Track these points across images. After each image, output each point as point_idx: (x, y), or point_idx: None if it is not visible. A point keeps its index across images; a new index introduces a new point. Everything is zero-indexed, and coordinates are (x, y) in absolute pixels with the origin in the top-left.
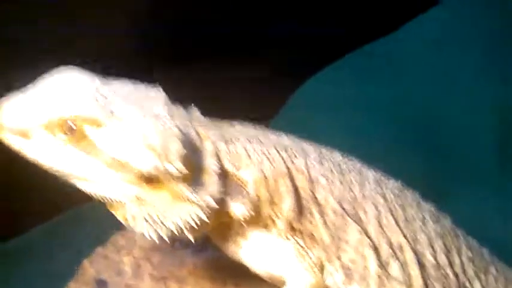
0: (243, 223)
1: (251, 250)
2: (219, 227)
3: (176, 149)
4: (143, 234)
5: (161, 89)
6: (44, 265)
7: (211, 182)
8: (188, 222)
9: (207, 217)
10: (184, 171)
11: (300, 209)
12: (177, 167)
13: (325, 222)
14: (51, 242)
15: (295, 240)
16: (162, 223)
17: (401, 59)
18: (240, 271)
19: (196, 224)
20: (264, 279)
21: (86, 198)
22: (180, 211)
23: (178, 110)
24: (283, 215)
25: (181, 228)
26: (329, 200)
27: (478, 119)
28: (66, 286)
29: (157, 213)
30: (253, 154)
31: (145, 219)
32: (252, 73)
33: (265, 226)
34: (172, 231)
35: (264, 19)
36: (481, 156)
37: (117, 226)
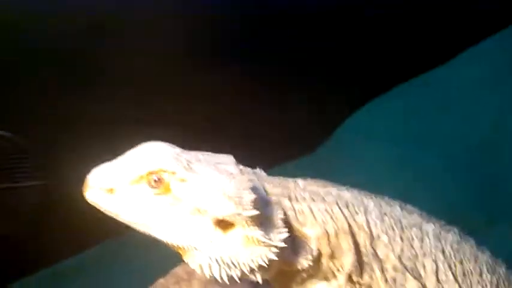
0: (304, 274)
1: None
2: (281, 276)
3: (249, 197)
4: (214, 277)
5: (231, 156)
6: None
7: (278, 228)
8: (258, 263)
9: (274, 261)
10: (256, 215)
11: (360, 264)
12: (250, 211)
13: (385, 278)
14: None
15: None
16: (233, 264)
17: (458, 88)
18: None
19: (265, 265)
20: None
21: None
22: (251, 253)
23: (247, 169)
24: (344, 269)
25: (251, 269)
26: (390, 257)
27: None
28: None
29: (230, 255)
30: (317, 213)
31: (217, 262)
32: (304, 96)
33: (326, 278)
34: (242, 272)
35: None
36: None
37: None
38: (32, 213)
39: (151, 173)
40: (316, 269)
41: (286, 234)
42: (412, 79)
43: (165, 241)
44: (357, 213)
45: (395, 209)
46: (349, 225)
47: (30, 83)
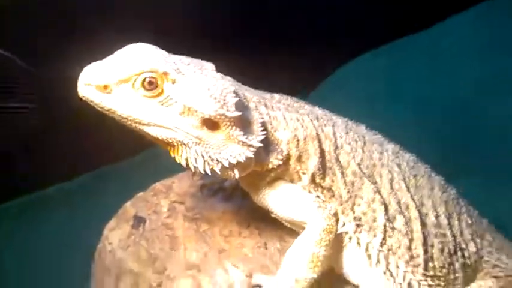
0: (273, 174)
1: (278, 198)
2: (253, 177)
3: (232, 99)
4: (200, 170)
5: (212, 64)
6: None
7: (256, 130)
8: (237, 159)
9: (250, 159)
10: (238, 116)
11: (323, 167)
12: (233, 113)
13: (344, 181)
14: (101, 187)
15: (317, 193)
16: (216, 160)
17: (443, 52)
18: (260, 217)
19: (242, 161)
20: (282, 222)
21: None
22: (232, 150)
23: (226, 77)
24: (308, 170)
25: (230, 165)
26: (350, 164)
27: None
28: (107, 223)
29: (213, 151)
30: (289, 121)
31: (202, 156)
32: (294, 49)
33: (292, 180)
34: (223, 166)
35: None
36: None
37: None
38: (24, 136)
39: (143, 72)
40: (284, 170)
41: (263, 136)
42: (397, 40)
43: (156, 136)
44: (325, 125)
45: (360, 128)
46: (317, 134)
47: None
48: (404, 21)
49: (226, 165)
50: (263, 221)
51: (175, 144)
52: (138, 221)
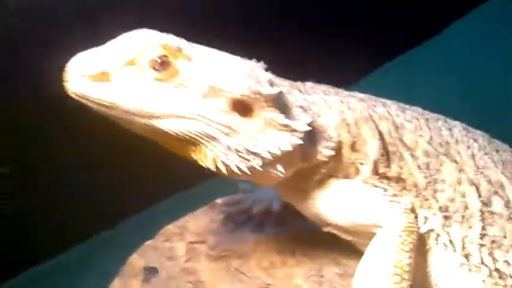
0: (323, 170)
1: (334, 201)
2: (297, 178)
3: (265, 75)
4: (234, 169)
5: None
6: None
7: (297, 113)
8: (281, 149)
9: (298, 147)
10: (276, 94)
11: (387, 152)
12: (269, 89)
13: (417, 165)
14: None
15: (384, 186)
16: (254, 153)
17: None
18: (307, 240)
19: (290, 149)
20: (340, 235)
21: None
22: (273, 138)
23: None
24: (368, 159)
25: (273, 158)
26: (419, 143)
27: None
28: (110, 282)
29: (250, 142)
30: (332, 104)
31: (236, 150)
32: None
33: (347, 175)
34: (264, 160)
35: None
36: None
37: None
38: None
39: (152, 49)
40: (336, 164)
41: (309, 118)
42: (413, 48)
43: (174, 131)
44: (375, 105)
45: (416, 108)
46: (369, 114)
47: None
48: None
49: (268, 157)
50: (311, 245)
51: (199, 141)
52: (150, 272)
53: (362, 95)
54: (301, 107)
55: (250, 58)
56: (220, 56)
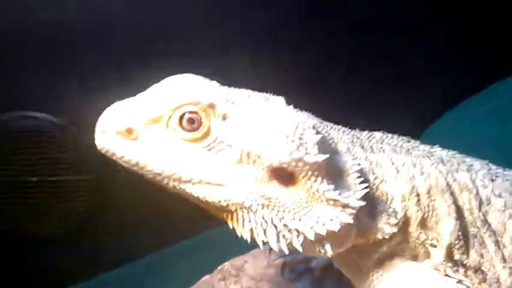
0: (385, 248)
1: (396, 286)
2: (354, 253)
3: (313, 137)
4: (272, 245)
5: (282, 97)
6: None
7: (353, 182)
8: (328, 228)
9: (348, 228)
10: (324, 161)
11: (465, 235)
12: (316, 156)
13: (502, 256)
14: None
15: (459, 278)
16: (296, 230)
17: None
18: None
19: (336, 230)
20: None
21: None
22: (319, 214)
23: (304, 112)
24: (441, 241)
25: (317, 237)
26: (508, 227)
27: None
28: None
29: (290, 216)
30: (402, 167)
31: (274, 225)
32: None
33: (415, 257)
34: (306, 239)
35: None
36: None
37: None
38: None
39: (181, 106)
40: (401, 242)
41: (365, 190)
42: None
43: (203, 198)
44: (457, 170)
45: (508, 172)
46: (447, 183)
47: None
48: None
49: (312, 237)
50: None
51: (233, 210)
52: None
53: (443, 154)
54: (361, 171)
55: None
56: (261, 112)
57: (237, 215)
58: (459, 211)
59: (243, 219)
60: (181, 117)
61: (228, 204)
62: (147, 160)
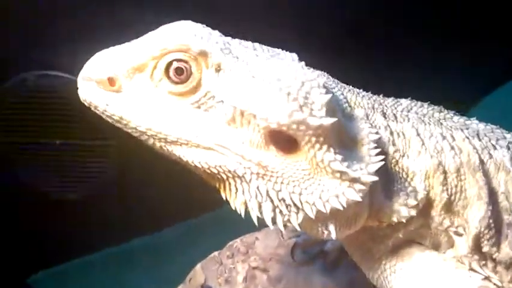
0: (401, 233)
1: (411, 279)
2: (364, 236)
3: (321, 97)
4: (267, 221)
5: (295, 54)
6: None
7: (367, 154)
8: (331, 205)
9: (358, 204)
10: (333, 124)
11: (497, 224)
12: (323, 119)
13: None
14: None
15: (486, 274)
16: (294, 205)
17: None
18: None
19: (341, 208)
20: None
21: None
22: (323, 188)
23: (316, 71)
24: (468, 230)
25: (319, 214)
26: None
27: None
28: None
29: (289, 189)
30: (428, 139)
31: (270, 198)
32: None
33: (437, 245)
34: (306, 216)
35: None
36: None
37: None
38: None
39: (167, 53)
40: (421, 227)
41: (380, 163)
42: None
43: (192, 163)
44: (494, 146)
45: None
46: (481, 161)
47: None
48: None
49: (312, 215)
50: None
51: (224, 178)
52: None
53: (481, 127)
54: (378, 141)
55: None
56: (263, 66)
57: (229, 184)
58: (492, 194)
59: (236, 190)
60: (168, 66)
61: (218, 172)
62: (131, 116)
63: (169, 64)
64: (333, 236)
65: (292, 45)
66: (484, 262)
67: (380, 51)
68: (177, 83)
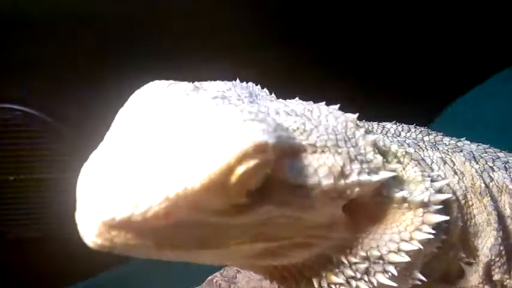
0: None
1: None
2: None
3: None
4: None
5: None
6: None
7: (410, 173)
8: (426, 239)
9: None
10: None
11: (508, 250)
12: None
13: None
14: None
15: None
16: (388, 261)
17: None
18: None
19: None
20: None
21: None
22: (405, 227)
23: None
24: (479, 259)
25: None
26: None
27: None
28: None
29: (378, 246)
30: (431, 163)
31: (366, 270)
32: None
33: (445, 276)
34: (409, 265)
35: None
36: None
37: None
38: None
39: (240, 162)
40: (439, 254)
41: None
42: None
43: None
44: (492, 168)
45: None
46: (486, 185)
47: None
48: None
49: (406, 261)
50: None
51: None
52: None
53: (473, 148)
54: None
55: None
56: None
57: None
58: (501, 219)
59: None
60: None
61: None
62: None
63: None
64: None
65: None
66: None
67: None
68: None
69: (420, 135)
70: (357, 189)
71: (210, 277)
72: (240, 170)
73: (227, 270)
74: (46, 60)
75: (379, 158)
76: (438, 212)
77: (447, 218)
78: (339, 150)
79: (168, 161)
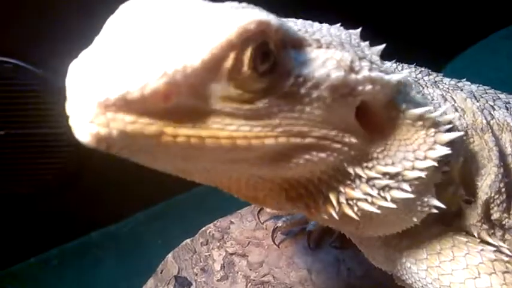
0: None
1: (417, 259)
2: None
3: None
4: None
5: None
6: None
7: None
8: (439, 156)
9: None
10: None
11: (508, 188)
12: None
13: None
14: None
15: (495, 244)
16: (402, 178)
17: None
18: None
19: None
20: None
21: None
22: (418, 145)
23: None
24: (478, 196)
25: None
26: None
27: None
28: (145, 283)
29: (393, 163)
30: (435, 101)
31: (383, 185)
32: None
33: (443, 215)
34: (421, 181)
35: None
36: None
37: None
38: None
39: (249, 34)
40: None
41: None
42: None
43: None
44: (493, 107)
45: None
46: (488, 123)
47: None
48: None
49: (424, 175)
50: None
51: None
52: (181, 284)
53: (473, 88)
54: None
55: None
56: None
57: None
58: (501, 156)
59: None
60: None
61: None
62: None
63: (254, 49)
64: (435, 207)
65: None
66: (492, 231)
67: None
68: (263, 74)
69: (420, 75)
70: (369, 86)
71: (203, 228)
72: (241, 48)
73: (220, 222)
74: (34, 11)
75: (389, 64)
76: (448, 131)
77: (460, 133)
78: (346, 48)
79: (166, 41)
